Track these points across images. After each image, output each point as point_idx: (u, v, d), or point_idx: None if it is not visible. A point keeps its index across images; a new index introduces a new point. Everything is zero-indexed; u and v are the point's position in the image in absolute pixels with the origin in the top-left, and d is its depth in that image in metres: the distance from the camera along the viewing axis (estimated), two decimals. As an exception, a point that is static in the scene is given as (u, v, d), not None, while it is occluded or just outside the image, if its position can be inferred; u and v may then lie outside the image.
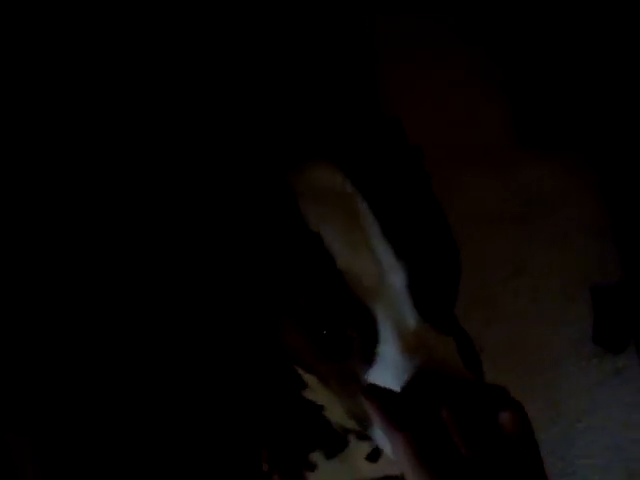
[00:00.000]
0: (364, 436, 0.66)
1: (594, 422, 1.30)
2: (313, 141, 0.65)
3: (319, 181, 0.53)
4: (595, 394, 1.33)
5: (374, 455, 0.72)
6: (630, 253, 1.47)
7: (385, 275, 0.49)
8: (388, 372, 0.48)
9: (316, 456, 0.75)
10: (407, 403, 0.46)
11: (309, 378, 0.61)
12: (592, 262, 1.48)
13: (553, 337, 1.39)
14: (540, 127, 1.60)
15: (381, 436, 0.49)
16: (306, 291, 0.51)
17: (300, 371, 0.61)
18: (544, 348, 1.36)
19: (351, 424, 0.60)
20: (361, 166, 0.55)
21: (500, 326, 1.31)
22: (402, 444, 0.43)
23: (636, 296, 1.42)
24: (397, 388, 0.47)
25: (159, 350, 1.31)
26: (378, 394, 0.47)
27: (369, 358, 0.50)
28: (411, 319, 0.49)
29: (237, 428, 0.91)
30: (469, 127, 1.60)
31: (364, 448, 0.72)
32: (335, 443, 0.72)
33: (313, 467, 0.76)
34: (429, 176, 0.62)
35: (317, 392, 0.63)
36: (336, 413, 0.66)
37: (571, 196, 1.55)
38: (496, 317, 1.37)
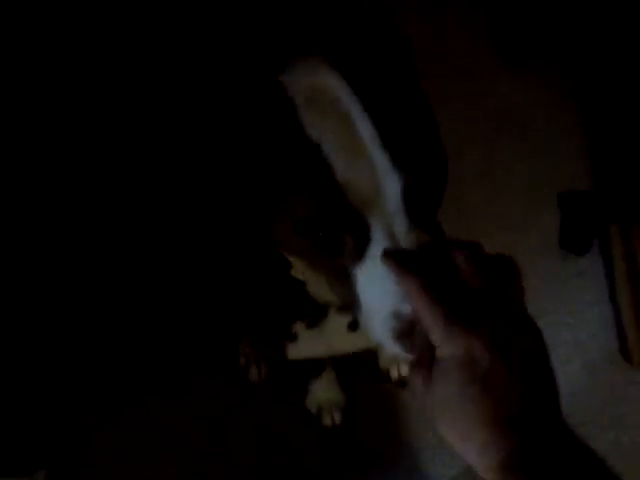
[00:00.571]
0: (343, 308, 0.72)
1: (556, 319, 1.39)
2: (306, 35, 0.65)
3: (316, 84, 0.52)
4: (558, 293, 1.42)
5: (354, 325, 0.76)
6: (600, 163, 1.52)
7: (381, 184, 0.51)
8: (377, 269, 0.52)
9: (297, 327, 0.80)
10: (417, 258, 0.50)
11: (294, 260, 0.64)
12: (563, 173, 1.52)
13: (521, 242, 1.45)
14: (516, 43, 1.61)
15: (363, 313, 0.55)
16: (305, 198, 0.52)
17: (287, 255, 0.64)
18: (511, 253, 1.42)
19: (331, 298, 0.65)
20: (355, 60, 0.55)
21: (468, 231, 1.36)
22: (416, 287, 0.48)
23: (602, 202, 1.48)
24: (385, 284, 0.52)
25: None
26: (393, 255, 0.51)
27: (361, 257, 0.53)
28: (403, 225, 0.51)
29: (219, 302, 0.95)
30: (447, 44, 1.61)
31: (342, 321, 0.76)
32: (316, 314, 0.77)
33: (294, 337, 0.81)
34: (417, 71, 0.62)
35: (301, 271, 0.67)
36: (318, 288, 0.70)
37: (545, 110, 1.58)
38: (467, 226, 1.42)
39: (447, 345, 0.46)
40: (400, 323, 0.52)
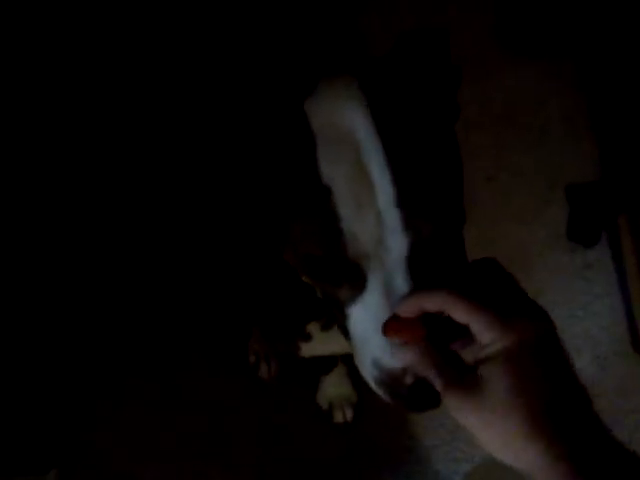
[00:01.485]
0: None
1: (566, 312, 1.38)
2: (342, 54, 0.61)
3: (339, 122, 0.49)
4: (567, 286, 1.41)
5: None
6: (607, 154, 1.51)
7: (386, 238, 0.49)
8: (369, 314, 0.51)
9: (312, 328, 0.81)
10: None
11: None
12: (569, 164, 1.52)
13: (529, 236, 1.45)
14: (522, 33, 1.60)
15: (353, 346, 0.55)
16: (306, 238, 0.51)
17: None
18: (519, 246, 1.42)
19: None
20: (390, 91, 0.51)
21: (477, 226, 1.35)
22: (456, 296, 0.47)
23: (610, 194, 1.48)
24: (371, 333, 0.51)
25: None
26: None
27: (354, 301, 0.53)
28: (403, 287, 0.50)
29: (233, 292, 0.95)
30: (452, 34, 1.60)
31: None
32: (331, 319, 0.75)
33: (309, 337, 0.82)
34: (459, 109, 0.57)
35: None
36: None
37: (551, 101, 1.57)
38: (473, 216, 1.42)
39: (503, 338, 0.45)
40: (380, 372, 0.52)
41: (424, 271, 0.51)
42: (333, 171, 0.49)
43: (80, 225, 1.42)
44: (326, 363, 1.21)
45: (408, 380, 0.51)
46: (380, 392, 0.54)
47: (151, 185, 1.42)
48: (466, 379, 0.46)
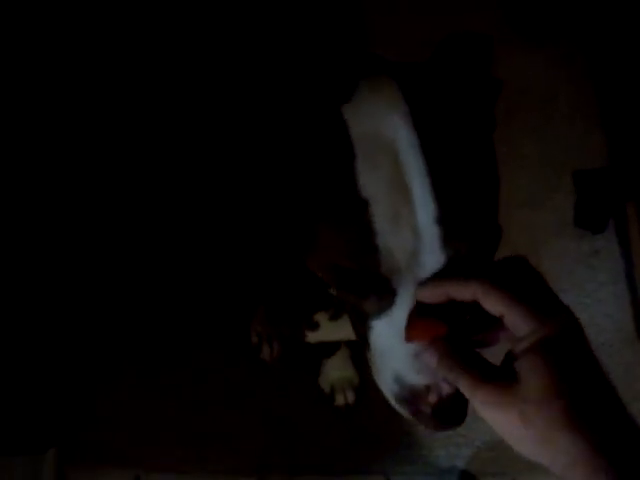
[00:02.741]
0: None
1: (572, 299, 1.37)
2: (381, 59, 0.56)
3: (381, 132, 0.47)
4: (574, 273, 1.40)
5: None
6: (615, 140, 1.50)
7: (422, 254, 0.47)
8: (395, 329, 0.50)
9: (319, 317, 0.80)
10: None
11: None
12: (577, 151, 1.50)
13: (536, 222, 1.44)
14: (532, 19, 1.59)
15: (372, 359, 0.54)
16: (337, 251, 0.49)
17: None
18: (526, 232, 1.41)
19: None
20: (432, 101, 0.49)
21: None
22: (494, 287, 0.46)
23: (618, 180, 1.46)
24: (394, 348, 0.50)
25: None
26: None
27: (380, 314, 0.51)
28: None
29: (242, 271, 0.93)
30: (462, 20, 1.58)
31: None
32: (339, 309, 0.76)
33: (316, 326, 0.82)
34: (495, 123, 0.55)
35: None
36: None
37: (561, 86, 1.55)
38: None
39: (541, 329, 0.44)
40: (401, 389, 0.51)
41: None
42: (371, 183, 0.47)
43: (86, 213, 1.42)
44: (329, 346, 1.21)
45: (432, 398, 0.49)
46: (400, 409, 0.53)
47: (168, 178, 1.43)
48: (497, 375, 0.45)
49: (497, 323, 0.47)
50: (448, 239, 0.47)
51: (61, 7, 1.52)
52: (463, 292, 0.47)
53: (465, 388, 0.46)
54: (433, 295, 0.48)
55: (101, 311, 1.36)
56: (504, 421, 0.44)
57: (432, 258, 0.47)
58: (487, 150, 0.52)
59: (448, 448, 1.29)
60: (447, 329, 0.48)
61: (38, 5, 1.52)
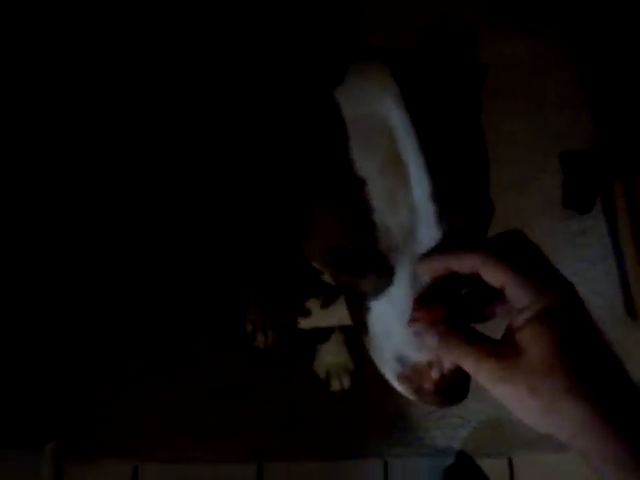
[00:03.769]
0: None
1: (560, 278, 1.39)
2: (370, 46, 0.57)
3: (373, 113, 0.48)
4: (563, 252, 1.42)
5: None
6: (601, 121, 1.51)
7: (418, 231, 0.48)
8: (391, 308, 0.51)
9: (311, 304, 0.81)
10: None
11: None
12: (564, 132, 1.52)
13: (525, 203, 1.45)
14: (518, 3, 1.60)
15: (370, 342, 0.54)
16: (336, 231, 0.50)
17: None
18: (515, 213, 1.42)
19: None
20: (421, 83, 0.50)
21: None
22: (492, 256, 0.46)
23: (604, 160, 1.48)
24: (395, 326, 0.50)
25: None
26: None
27: (379, 293, 0.51)
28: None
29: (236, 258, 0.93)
30: (448, 5, 1.59)
31: None
32: (332, 293, 0.77)
33: (308, 313, 0.82)
34: (482, 105, 0.56)
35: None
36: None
37: (545, 69, 1.57)
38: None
39: (541, 299, 0.45)
40: (404, 368, 0.51)
41: None
42: (367, 162, 0.47)
43: (86, 210, 1.42)
44: (323, 332, 1.22)
45: (434, 374, 0.50)
46: (402, 388, 0.53)
47: (166, 169, 1.43)
48: (499, 349, 0.45)
49: (493, 297, 0.48)
50: (443, 214, 0.48)
51: (61, 7, 1.52)
52: (463, 264, 0.47)
53: (469, 366, 0.46)
54: (433, 267, 0.48)
55: (98, 304, 1.37)
56: (511, 394, 0.44)
57: (428, 233, 0.48)
58: (475, 129, 0.53)
59: (444, 429, 1.31)
60: (445, 313, 0.48)
61: (38, 5, 1.52)
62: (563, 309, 0.45)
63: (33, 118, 1.46)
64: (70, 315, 1.35)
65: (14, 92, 1.46)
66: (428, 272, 0.49)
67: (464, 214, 0.49)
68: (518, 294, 0.45)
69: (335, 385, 1.32)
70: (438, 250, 0.49)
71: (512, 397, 0.44)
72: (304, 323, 0.86)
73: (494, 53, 1.55)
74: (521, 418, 0.45)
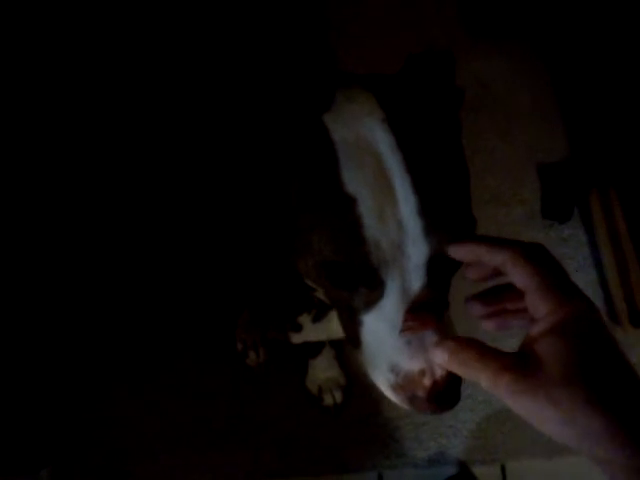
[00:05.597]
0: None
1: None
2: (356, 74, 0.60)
3: (360, 134, 0.51)
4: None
5: None
6: (576, 134, 1.56)
7: (407, 245, 0.50)
8: (383, 320, 0.53)
9: (303, 319, 0.83)
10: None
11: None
12: (540, 145, 1.56)
13: (505, 215, 1.49)
14: (488, 18, 1.65)
15: (364, 355, 0.56)
16: (328, 247, 0.51)
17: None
18: (496, 226, 1.46)
19: None
20: (405, 108, 0.53)
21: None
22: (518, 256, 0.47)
23: (580, 171, 1.52)
24: (388, 338, 0.52)
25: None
26: None
27: (371, 307, 0.53)
28: (420, 292, 0.52)
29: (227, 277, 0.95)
30: (419, 22, 1.64)
31: None
32: (323, 308, 0.80)
33: (299, 328, 0.85)
34: (461, 126, 0.60)
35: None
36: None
37: (520, 85, 1.61)
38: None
39: (560, 310, 0.45)
40: (397, 377, 0.53)
41: (441, 277, 0.53)
42: (356, 181, 0.50)
43: (85, 215, 1.44)
44: (314, 347, 1.24)
45: (426, 382, 0.51)
46: (396, 398, 0.54)
47: (158, 182, 1.45)
48: (516, 361, 0.45)
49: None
50: (430, 229, 0.50)
51: (61, 7, 1.53)
52: (495, 256, 0.48)
53: (485, 380, 0.46)
54: (466, 252, 0.50)
55: (88, 329, 1.37)
56: (531, 405, 0.44)
57: (416, 248, 0.51)
58: (457, 148, 0.56)
59: (437, 439, 1.32)
60: (436, 321, 0.51)
61: (38, 5, 1.53)
62: (581, 320, 0.45)
63: (33, 119, 1.48)
64: (62, 340, 1.36)
65: (14, 92, 1.48)
66: (459, 256, 0.51)
67: (450, 228, 0.51)
68: (538, 301, 0.46)
69: (328, 400, 1.33)
70: (428, 268, 0.51)
71: (531, 408, 0.44)
72: (295, 338, 0.88)
73: (472, 71, 1.60)
74: (540, 429, 0.45)
